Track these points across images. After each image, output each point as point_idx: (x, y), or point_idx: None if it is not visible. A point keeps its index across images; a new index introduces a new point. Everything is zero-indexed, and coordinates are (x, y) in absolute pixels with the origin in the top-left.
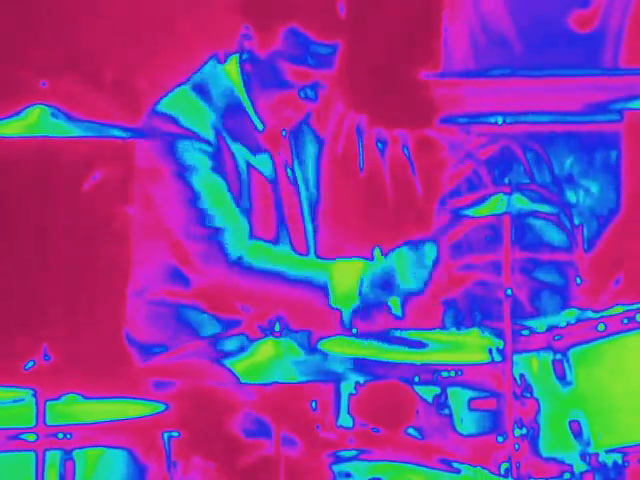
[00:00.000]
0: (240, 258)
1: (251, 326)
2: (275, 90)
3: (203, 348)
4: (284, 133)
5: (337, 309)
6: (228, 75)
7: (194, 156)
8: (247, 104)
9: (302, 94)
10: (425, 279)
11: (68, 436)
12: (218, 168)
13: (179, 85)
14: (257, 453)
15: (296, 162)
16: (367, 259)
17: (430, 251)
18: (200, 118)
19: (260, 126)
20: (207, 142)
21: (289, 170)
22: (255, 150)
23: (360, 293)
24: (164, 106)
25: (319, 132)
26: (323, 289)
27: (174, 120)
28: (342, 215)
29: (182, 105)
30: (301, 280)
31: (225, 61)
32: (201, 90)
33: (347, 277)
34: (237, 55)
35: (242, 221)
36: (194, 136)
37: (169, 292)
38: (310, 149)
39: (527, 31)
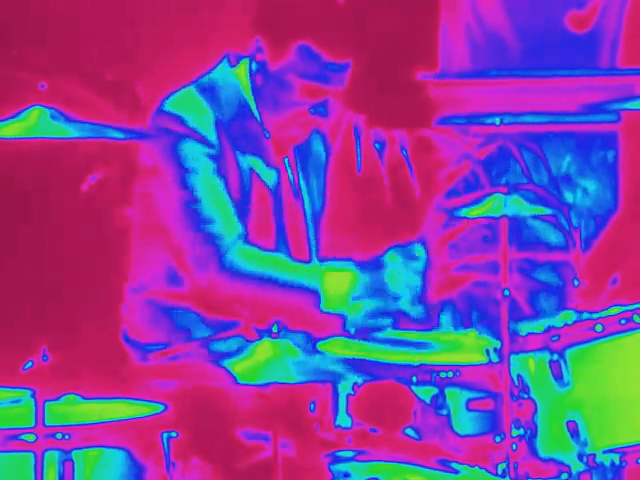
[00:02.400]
0: (232, 262)
1: (248, 328)
2: (284, 106)
3: (199, 349)
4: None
5: (330, 313)
6: (238, 78)
7: (197, 158)
8: (255, 110)
9: (312, 110)
10: (416, 283)
11: (67, 436)
12: (220, 171)
13: (185, 85)
14: (256, 453)
15: (301, 174)
16: (358, 264)
17: (419, 252)
18: (204, 119)
19: (267, 134)
20: (210, 144)
21: (293, 183)
22: (260, 156)
23: (353, 298)
24: (170, 105)
25: (328, 139)
26: (314, 293)
27: (180, 119)
28: (343, 219)
29: (187, 105)
30: (292, 285)
31: (236, 64)
32: (208, 91)
33: (338, 281)
34: (247, 60)
35: (238, 225)
36: (199, 137)
37: (166, 293)
38: (317, 156)
39: (524, 32)
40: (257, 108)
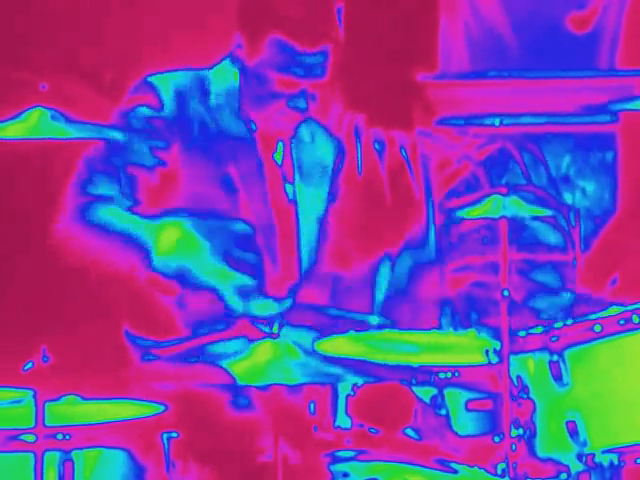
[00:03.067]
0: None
1: (248, 327)
2: (264, 100)
3: (199, 348)
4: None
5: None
6: (234, 75)
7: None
8: (240, 104)
9: (291, 104)
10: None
11: (67, 437)
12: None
13: (180, 69)
14: (255, 454)
15: (298, 174)
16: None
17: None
18: (184, 102)
19: (253, 127)
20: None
21: (288, 184)
22: (243, 149)
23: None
24: (156, 79)
25: (341, 144)
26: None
27: (158, 93)
28: (347, 226)
29: (172, 83)
30: (124, 234)
31: (236, 63)
32: (201, 83)
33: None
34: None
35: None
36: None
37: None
38: (321, 160)
39: (524, 32)
40: (242, 103)
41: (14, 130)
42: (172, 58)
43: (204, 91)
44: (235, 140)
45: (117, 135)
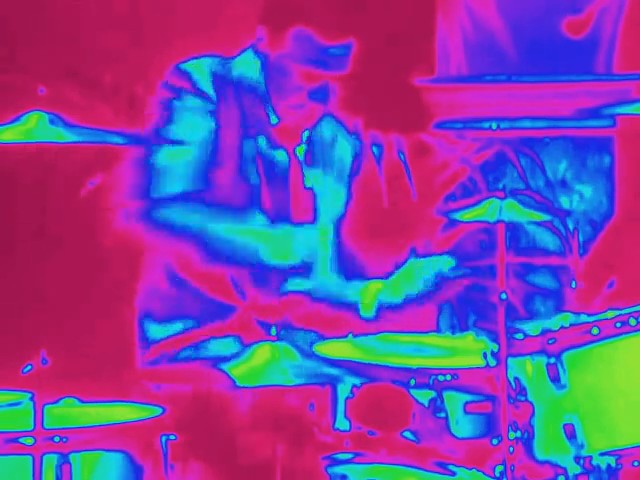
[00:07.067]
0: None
1: (245, 318)
2: (286, 93)
3: (198, 343)
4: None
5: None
6: (257, 67)
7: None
8: (265, 97)
9: (311, 96)
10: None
11: (65, 439)
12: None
13: (209, 56)
14: (254, 456)
15: (319, 170)
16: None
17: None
18: (208, 80)
19: (274, 120)
20: (210, 99)
21: (307, 173)
22: (267, 140)
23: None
24: (187, 65)
25: (360, 147)
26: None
27: (189, 77)
28: (365, 228)
29: (199, 67)
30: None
31: (258, 53)
32: (225, 69)
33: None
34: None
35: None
36: (200, 92)
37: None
38: (340, 159)
39: (521, 37)
40: (267, 96)
41: (12, 134)
42: (173, 60)
43: (227, 81)
44: (259, 132)
45: (117, 140)
